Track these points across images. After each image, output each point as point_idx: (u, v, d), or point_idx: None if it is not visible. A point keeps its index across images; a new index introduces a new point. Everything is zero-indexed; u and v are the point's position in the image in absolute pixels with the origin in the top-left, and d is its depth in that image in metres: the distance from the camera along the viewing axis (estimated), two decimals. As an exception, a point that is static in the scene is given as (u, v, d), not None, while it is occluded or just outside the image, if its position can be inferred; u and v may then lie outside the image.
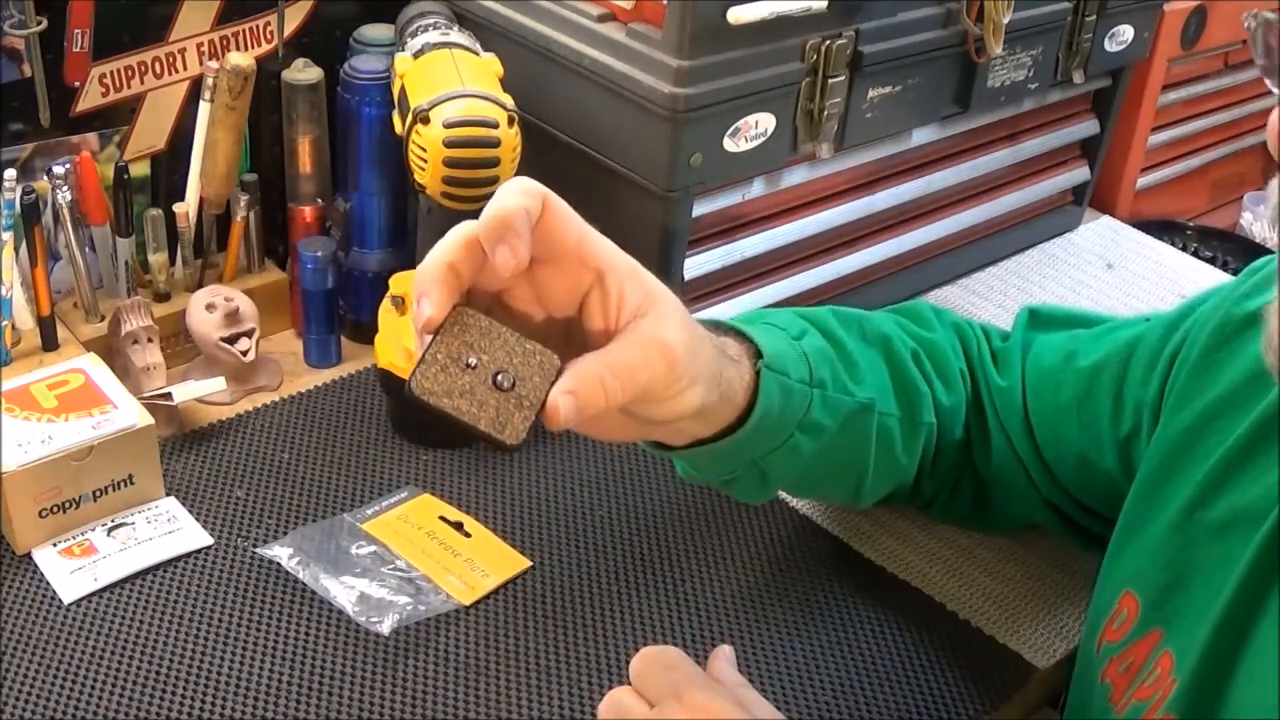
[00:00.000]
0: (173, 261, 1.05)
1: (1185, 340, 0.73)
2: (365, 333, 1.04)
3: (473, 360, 0.57)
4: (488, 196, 0.86)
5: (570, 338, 0.61)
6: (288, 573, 0.85)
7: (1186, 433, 0.68)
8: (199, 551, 0.86)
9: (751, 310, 0.84)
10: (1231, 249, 1.48)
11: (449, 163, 0.85)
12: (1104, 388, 0.80)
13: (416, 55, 0.91)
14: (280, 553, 0.85)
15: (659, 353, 0.59)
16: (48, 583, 0.82)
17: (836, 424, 0.76)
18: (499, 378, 0.57)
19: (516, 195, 0.57)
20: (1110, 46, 1.24)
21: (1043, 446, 0.84)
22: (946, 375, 0.85)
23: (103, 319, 1.01)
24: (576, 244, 0.59)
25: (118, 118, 1.03)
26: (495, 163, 0.85)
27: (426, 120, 0.85)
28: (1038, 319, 0.89)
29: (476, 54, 0.93)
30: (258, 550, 0.86)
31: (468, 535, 0.89)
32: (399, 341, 0.94)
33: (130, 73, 1.02)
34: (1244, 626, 0.60)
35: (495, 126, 0.85)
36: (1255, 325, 0.67)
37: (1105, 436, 0.79)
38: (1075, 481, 0.83)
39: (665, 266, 0.98)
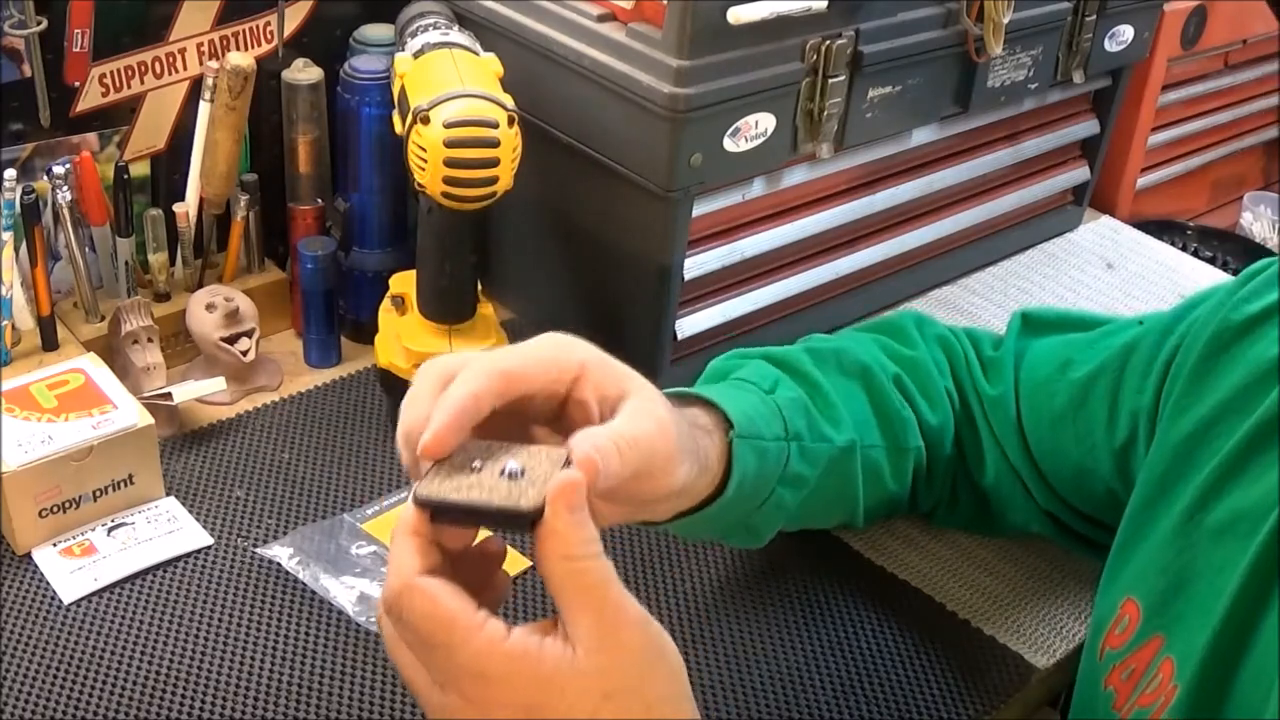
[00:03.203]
0: (173, 261, 1.05)
1: (1181, 346, 0.73)
2: (365, 333, 1.04)
3: (478, 464, 0.55)
4: (488, 196, 0.87)
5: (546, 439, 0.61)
6: (288, 573, 0.85)
7: (1187, 440, 0.68)
8: (199, 551, 0.86)
9: (722, 358, 0.83)
10: (1231, 249, 1.48)
11: (449, 163, 0.85)
12: (1099, 397, 0.79)
13: (416, 55, 0.91)
14: (280, 553, 0.85)
15: (656, 425, 0.59)
16: (48, 583, 0.82)
17: (818, 472, 0.76)
18: (507, 469, 0.55)
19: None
20: (1110, 46, 1.24)
21: (1038, 457, 0.83)
22: (931, 394, 0.84)
23: (103, 319, 1.01)
24: (550, 381, 0.59)
25: (118, 118, 1.03)
26: (495, 163, 0.85)
27: (426, 120, 0.85)
28: (1030, 324, 0.88)
29: (476, 54, 0.93)
30: (258, 550, 0.86)
31: (468, 535, 0.89)
32: (399, 341, 0.94)
33: (130, 73, 1.02)
34: (1245, 630, 0.60)
35: (495, 126, 0.85)
36: (1255, 329, 0.67)
37: (1101, 445, 0.79)
38: (1073, 491, 0.83)
39: (665, 266, 0.98)
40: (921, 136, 1.15)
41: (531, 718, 0.52)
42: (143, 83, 1.02)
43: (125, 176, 1.00)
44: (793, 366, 0.81)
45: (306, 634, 0.81)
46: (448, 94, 0.85)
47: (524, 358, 0.58)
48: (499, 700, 0.52)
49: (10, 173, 0.95)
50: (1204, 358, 0.69)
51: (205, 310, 0.98)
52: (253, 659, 0.79)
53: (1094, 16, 1.19)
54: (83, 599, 0.82)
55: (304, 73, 1.04)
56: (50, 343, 1.00)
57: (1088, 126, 1.33)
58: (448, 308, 0.94)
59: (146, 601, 0.82)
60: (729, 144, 0.95)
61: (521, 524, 0.53)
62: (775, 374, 0.79)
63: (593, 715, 0.52)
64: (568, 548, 0.53)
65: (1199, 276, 1.32)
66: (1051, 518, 0.86)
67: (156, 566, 0.84)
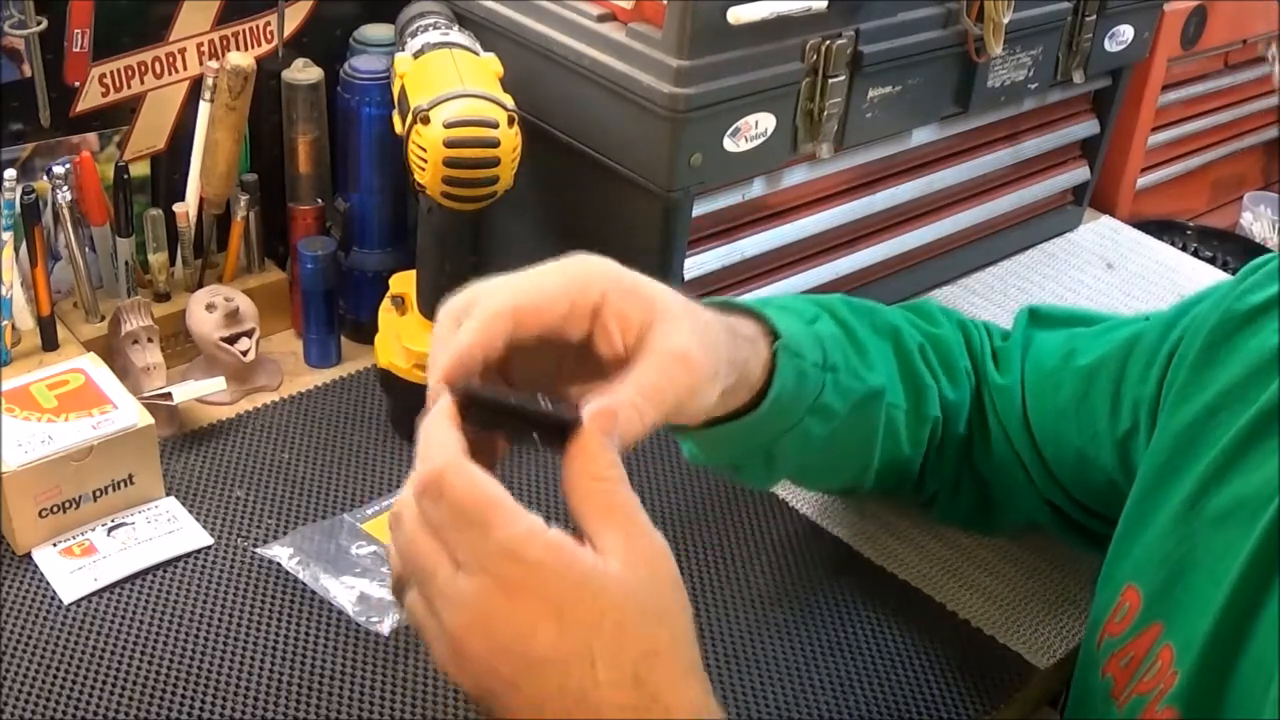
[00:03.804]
0: (173, 261, 1.05)
1: (1183, 338, 0.73)
2: (365, 333, 1.04)
3: (513, 400, 0.56)
4: (488, 197, 0.87)
5: (579, 368, 0.61)
6: (288, 573, 0.85)
7: (1188, 429, 0.68)
8: (199, 551, 0.86)
9: (762, 298, 0.84)
10: (1231, 249, 1.48)
11: (449, 163, 0.85)
12: (1102, 386, 0.80)
13: (416, 55, 0.91)
14: (280, 553, 0.85)
15: (678, 365, 0.58)
16: (48, 583, 0.82)
17: (847, 408, 0.76)
18: (540, 398, 0.56)
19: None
20: (1110, 46, 1.24)
21: (1041, 445, 0.84)
22: (952, 371, 0.86)
23: (103, 319, 1.01)
24: (567, 315, 0.58)
25: (118, 118, 1.03)
26: (495, 163, 0.85)
27: (426, 120, 0.85)
28: (1038, 318, 0.89)
29: (476, 54, 0.93)
30: (258, 550, 0.86)
31: (468, 535, 0.89)
32: (399, 341, 0.94)
33: (130, 73, 1.02)
34: (1246, 617, 0.60)
35: (495, 126, 0.85)
36: (1256, 319, 0.67)
37: (1103, 435, 0.79)
38: (1074, 480, 0.84)
39: (665, 266, 0.98)
40: (921, 136, 1.15)
41: (560, 618, 0.51)
42: (143, 83, 1.02)
43: (125, 176, 1.00)
44: (831, 308, 0.82)
45: (306, 634, 0.81)
46: (448, 94, 0.85)
47: (538, 291, 0.57)
48: (531, 585, 0.51)
49: (10, 173, 0.95)
50: (1206, 347, 0.70)
51: (205, 310, 0.98)
52: (253, 659, 0.79)
53: (1094, 16, 1.19)
54: (83, 599, 0.82)
55: (304, 73, 1.04)
56: (50, 343, 1.00)
57: (1088, 126, 1.33)
58: (448, 308, 0.94)
59: (146, 601, 0.82)
60: (729, 144, 0.95)
61: (554, 430, 0.54)
62: (816, 309, 0.80)
63: (620, 626, 0.51)
64: (597, 468, 0.53)
65: (1199, 276, 1.32)
66: (1052, 507, 0.86)
67: (156, 566, 0.84)
